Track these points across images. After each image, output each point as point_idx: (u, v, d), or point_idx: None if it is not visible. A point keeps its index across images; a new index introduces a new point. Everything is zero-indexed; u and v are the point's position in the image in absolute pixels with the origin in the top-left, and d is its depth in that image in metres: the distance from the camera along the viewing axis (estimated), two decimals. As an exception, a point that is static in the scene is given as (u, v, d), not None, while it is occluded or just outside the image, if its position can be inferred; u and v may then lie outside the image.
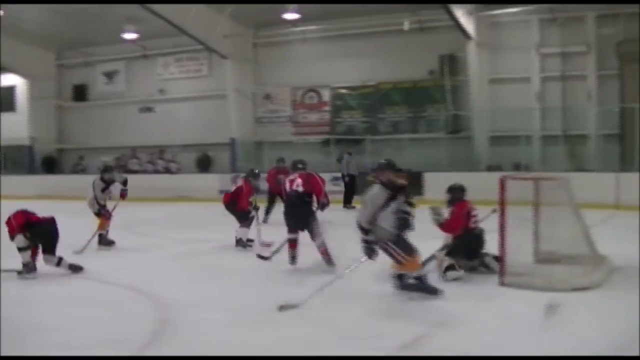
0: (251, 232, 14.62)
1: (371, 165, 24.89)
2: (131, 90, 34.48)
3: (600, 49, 25.00)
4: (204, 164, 31.98)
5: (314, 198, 12.37)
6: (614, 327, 7.85)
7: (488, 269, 10.57)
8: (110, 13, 27.81)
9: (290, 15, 27.58)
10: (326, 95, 30.52)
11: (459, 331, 7.86)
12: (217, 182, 28.55)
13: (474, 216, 11.08)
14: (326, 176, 18.09)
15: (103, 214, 14.85)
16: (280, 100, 31.30)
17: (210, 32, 28.65)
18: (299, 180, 12.28)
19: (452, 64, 27.47)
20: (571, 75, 25.75)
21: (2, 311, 8.67)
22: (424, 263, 9.92)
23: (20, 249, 11.25)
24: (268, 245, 13.77)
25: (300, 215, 12.09)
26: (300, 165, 13.06)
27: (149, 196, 25.02)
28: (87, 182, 25.97)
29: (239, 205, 14.64)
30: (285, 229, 12.29)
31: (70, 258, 11.91)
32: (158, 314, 8.79)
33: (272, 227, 15.12)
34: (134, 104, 34.23)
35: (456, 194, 11.29)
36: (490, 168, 24.60)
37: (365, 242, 9.19)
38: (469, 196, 11.35)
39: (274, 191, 18.58)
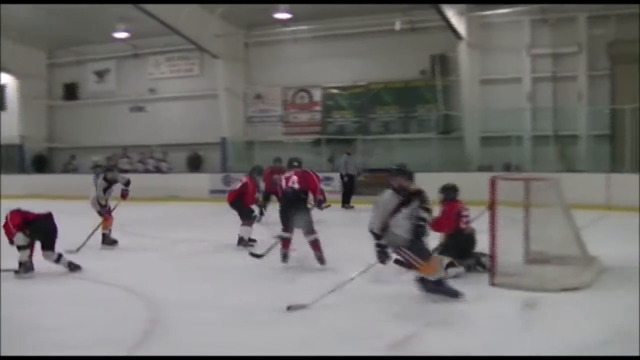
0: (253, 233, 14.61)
1: (362, 166, 25.03)
2: (122, 89, 34.40)
3: (591, 49, 25.05)
4: (195, 164, 31.92)
5: (310, 196, 12.54)
6: (603, 326, 7.85)
7: (484, 269, 10.57)
8: (101, 12, 27.69)
9: (281, 15, 27.57)
10: (317, 95, 30.50)
11: (449, 331, 7.88)
12: (207, 181, 28.59)
13: (466, 216, 11.12)
14: (318, 176, 18.12)
15: (103, 213, 14.81)
16: (271, 100, 31.27)
17: (201, 31, 28.63)
18: (295, 178, 12.42)
19: (443, 64, 27.48)
20: (562, 76, 25.81)
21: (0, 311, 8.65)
22: None
23: (19, 247, 11.23)
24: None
25: (296, 212, 12.17)
26: (295, 163, 13.20)
27: (139, 196, 24.86)
28: (78, 181, 25.95)
29: (244, 202, 14.66)
30: (279, 228, 12.37)
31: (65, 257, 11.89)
32: (151, 313, 8.78)
33: (266, 227, 15.09)
34: (125, 103, 34.16)
35: (449, 193, 11.35)
36: (481, 168, 24.63)
37: (378, 246, 9.15)
38: (461, 196, 11.39)
39: (269, 190, 18.60)
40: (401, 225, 9.00)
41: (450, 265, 10.40)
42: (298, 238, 12.32)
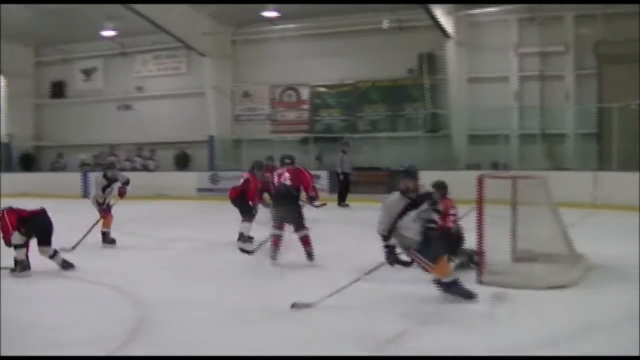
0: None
1: (350, 164, 25.00)
2: (109, 87, 34.26)
3: (579, 48, 25.10)
4: (182, 162, 31.85)
5: (302, 192, 12.66)
6: (590, 324, 7.88)
7: (477, 267, 10.58)
8: (88, 10, 27.52)
9: (269, 14, 27.58)
10: (305, 93, 30.48)
11: (440, 329, 7.89)
12: (195, 180, 28.56)
13: (453, 214, 11.13)
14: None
15: (100, 211, 14.76)
16: (259, 98, 31.22)
17: (189, 29, 28.56)
18: (287, 175, 12.56)
19: (431, 62, 27.50)
20: (549, 75, 25.85)
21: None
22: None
23: (16, 246, 11.19)
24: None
25: (287, 208, 12.28)
26: (287, 160, 13.19)
27: (127, 194, 24.93)
28: (65, 179, 25.83)
29: (246, 199, 14.59)
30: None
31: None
32: (139, 312, 8.77)
33: (258, 224, 15.07)
34: (112, 101, 34.02)
35: (439, 190, 11.34)
36: (469, 167, 24.66)
37: (386, 247, 9.09)
38: (449, 194, 11.42)
39: (262, 188, 18.61)
40: (410, 228, 8.94)
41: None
42: (287, 237, 12.38)
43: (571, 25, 25.17)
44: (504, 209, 10.87)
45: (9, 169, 33.52)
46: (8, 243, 11.23)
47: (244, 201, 14.58)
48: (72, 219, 14.59)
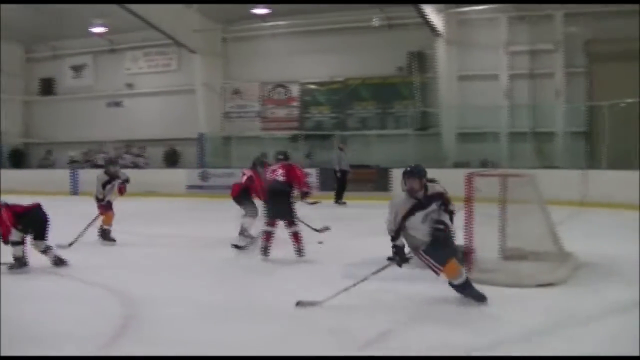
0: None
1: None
2: (99, 84, 34.21)
3: (568, 47, 25.18)
4: (172, 159, 31.81)
5: (294, 189, 12.68)
6: (578, 322, 7.89)
7: (465, 265, 10.57)
8: (78, 7, 27.44)
9: (259, 11, 27.61)
10: (295, 90, 30.48)
11: (424, 327, 7.87)
12: (184, 177, 28.53)
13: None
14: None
15: (99, 207, 14.68)
16: (249, 95, 31.21)
17: (179, 26, 28.53)
18: (281, 171, 12.60)
19: (420, 60, 27.57)
20: (539, 73, 25.92)
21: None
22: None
23: (14, 243, 11.08)
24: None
25: (280, 204, 12.34)
26: (281, 156, 13.38)
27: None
28: (55, 176, 25.72)
29: (250, 196, 14.55)
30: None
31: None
32: (128, 309, 8.73)
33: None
34: (102, 98, 33.96)
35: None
36: (458, 164, 24.68)
37: (394, 247, 8.95)
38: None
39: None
40: (418, 229, 8.77)
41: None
42: (279, 234, 12.45)
43: (561, 23, 25.26)
44: (492, 207, 10.86)
45: (-2, 165, 33.48)
46: (6, 241, 11.16)
47: (247, 198, 14.56)
48: (61, 216, 14.46)
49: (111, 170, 14.96)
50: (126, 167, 29.09)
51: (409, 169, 9.02)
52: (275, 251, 12.33)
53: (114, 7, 25.60)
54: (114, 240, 14.61)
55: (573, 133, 24.72)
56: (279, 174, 12.53)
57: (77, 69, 34.62)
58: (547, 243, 10.62)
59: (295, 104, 30.53)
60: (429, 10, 25.10)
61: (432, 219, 8.73)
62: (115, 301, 9.22)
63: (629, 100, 21.77)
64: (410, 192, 8.80)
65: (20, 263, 11.10)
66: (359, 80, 29.08)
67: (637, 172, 20.06)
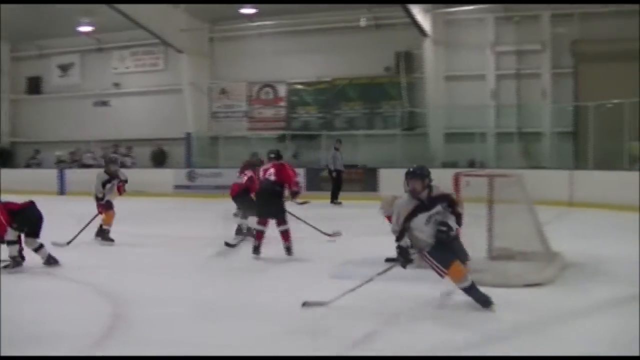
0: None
1: (325, 162, 25.02)
2: (86, 83, 34.07)
3: (555, 47, 25.29)
4: (159, 159, 31.73)
5: (286, 188, 12.76)
6: (565, 321, 7.91)
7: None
8: (65, 5, 27.38)
9: (247, 10, 27.59)
10: (282, 90, 30.47)
11: (411, 328, 7.87)
12: (172, 177, 28.47)
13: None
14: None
15: (98, 206, 14.59)
16: (236, 95, 31.18)
17: (166, 26, 28.51)
18: (272, 170, 12.70)
19: (408, 61, 27.60)
20: (526, 73, 26.03)
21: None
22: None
23: (9, 242, 11.03)
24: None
25: (271, 203, 12.46)
26: (272, 155, 13.40)
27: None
28: (42, 176, 25.54)
29: (250, 196, 14.36)
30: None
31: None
32: (116, 309, 8.70)
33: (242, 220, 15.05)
34: (89, 97, 33.83)
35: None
36: (445, 164, 24.69)
37: (398, 248, 8.77)
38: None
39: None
40: (423, 230, 8.61)
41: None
42: (270, 233, 12.57)
43: (548, 24, 25.37)
44: (480, 207, 10.88)
45: (-16, 165, 33.36)
46: (2, 240, 11.10)
47: (246, 198, 14.54)
48: (47, 216, 14.41)
49: (111, 169, 14.88)
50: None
51: (411, 169, 8.77)
52: (266, 250, 12.39)
53: (101, 6, 25.58)
54: (112, 240, 14.48)
55: (560, 133, 24.82)
56: (271, 173, 12.61)
57: (64, 68, 34.50)
58: (534, 243, 10.65)
59: (282, 104, 30.52)
60: (417, 11, 25.15)
61: (436, 220, 8.57)
62: (103, 300, 9.19)
63: (616, 101, 21.83)
64: (413, 193, 8.63)
65: (15, 262, 11.05)
66: (347, 81, 29.09)
67: (623, 172, 20.21)
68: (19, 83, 35.54)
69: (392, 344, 7.24)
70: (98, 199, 14.61)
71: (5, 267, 11.00)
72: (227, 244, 13.40)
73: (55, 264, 11.53)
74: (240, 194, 14.63)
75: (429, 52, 26.83)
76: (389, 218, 10.77)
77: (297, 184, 13.44)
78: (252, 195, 14.16)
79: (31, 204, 11.46)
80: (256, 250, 12.32)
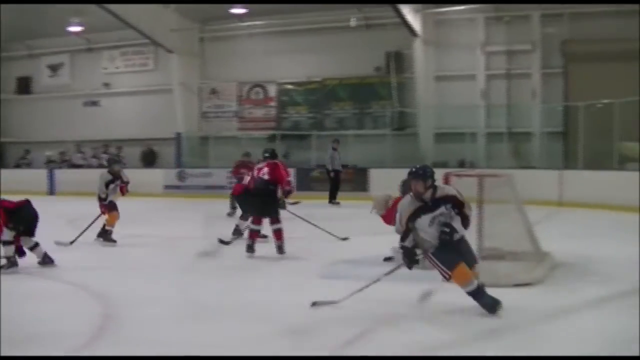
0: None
1: (316, 161, 25.03)
2: (76, 83, 34.01)
3: (545, 47, 25.35)
4: (149, 159, 31.71)
5: (279, 187, 12.80)
6: (555, 321, 7.92)
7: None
8: (55, 5, 27.36)
9: (237, 10, 27.58)
10: (272, 90, 30.45)
11: (401, 327, 7.87)
12: (162, 177, 28.43)
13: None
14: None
15: (101, 207, 14.56)
16: (226, 95, 31.16)
17: (156, 25, 28.45)
18: (266, 169, 12.77)
19: (398, 61, 27.62)
20: (516, 73, 26.09)
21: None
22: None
23: (5, 243, 10.96)
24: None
25: (265, 202, 12.53)
26: (266, 154, 13.40)
27: (93, 190, 24.76)
28: (32, 176, 25.43)
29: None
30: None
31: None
32: (105, 309, 8.68)
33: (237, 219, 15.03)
34: (79, 97, 33.77)
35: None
36: (436, 165, 24.59)
37: (402, 248, 8.71)
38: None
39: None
40: (427, 231, 8.44)
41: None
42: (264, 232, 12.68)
43: (538, 24, 25.44)
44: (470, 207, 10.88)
45: (-26, 165, 33.26)
46: None
47: (250, 198, 14.53)
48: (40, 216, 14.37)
49: (115, 169, 14.83)
50: (102, 166, 29.14)
51: (413, 169, 8.55)
52: (259, 248, 12.42)
53: (91, 6, 25.54)
54: (114, 241, 14.40)
55: (549, 133, 24.86)
56: (264, 173, 12.69)
57: (54, 67, 34.43)
58: (524, 243, 10.65)
59: (272, 104, 30.51)
60: (407, 11, 25.15)
61: (439, 222, 8.36)
62: (92, 301, 9.17)
63: (606, 101, 21.87)
64: (415, 195, 8.44)
65: (10, 263, 10.98)
66: (337, 81, 29.11)
67: (613, 172, 20.27)
68: (9, 83, 35.38)
69: (387, 343, 7.25)
70: (101, 200, 14.55)
71: (1, 267, 10.95)
72: (221, 241, 13.43)
73: (51, 263, 11.45)
74: (243, 194, 14.63)
75: (419, 52, 26.84)
76: (384, 217, 10.83)
77: (289, 183, 13.58)
78: None
79: (27, 203, 11.41)
80: (250, 248, 12.35)
